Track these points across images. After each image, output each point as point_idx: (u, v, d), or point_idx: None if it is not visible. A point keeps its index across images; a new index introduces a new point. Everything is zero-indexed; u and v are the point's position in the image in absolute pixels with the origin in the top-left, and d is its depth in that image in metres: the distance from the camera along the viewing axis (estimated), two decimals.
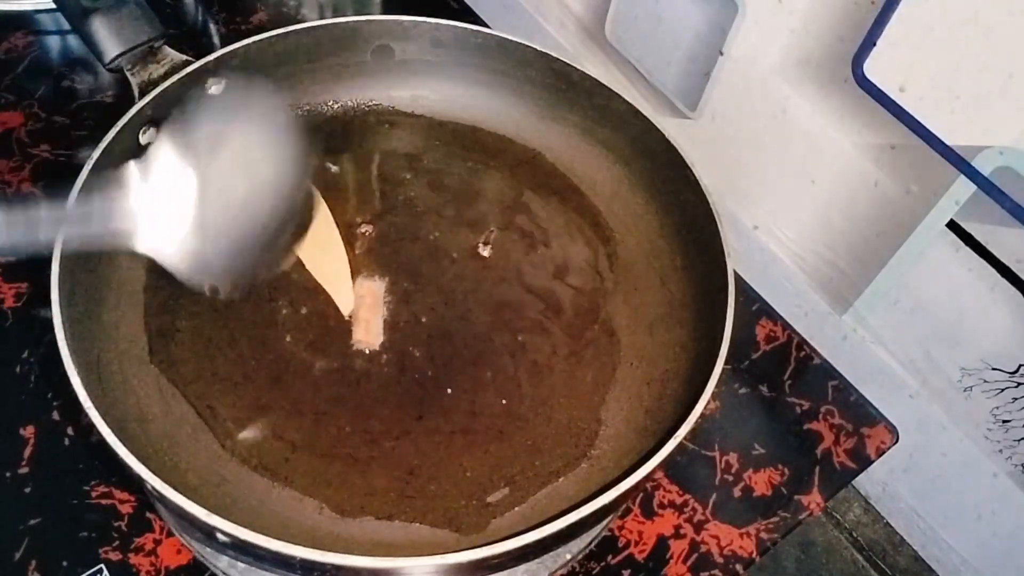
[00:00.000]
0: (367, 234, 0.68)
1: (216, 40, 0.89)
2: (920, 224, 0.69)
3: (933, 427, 0.78)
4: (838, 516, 0.91)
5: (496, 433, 0.60)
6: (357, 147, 0.73)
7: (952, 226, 0.67)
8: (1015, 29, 0.58)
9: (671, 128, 0.67)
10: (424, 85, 0.74)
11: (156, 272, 0.63)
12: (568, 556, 0.62)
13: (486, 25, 0.89)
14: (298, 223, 0.59)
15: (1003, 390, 0.72)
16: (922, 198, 0.69)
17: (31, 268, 0.69)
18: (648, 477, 0.51)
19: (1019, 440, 0.73)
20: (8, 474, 0.61)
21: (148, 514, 0.60)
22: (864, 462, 0.70)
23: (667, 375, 0.63)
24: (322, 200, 0.68)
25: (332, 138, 0.73)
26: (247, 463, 0.57)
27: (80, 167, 0.57)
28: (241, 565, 0.59)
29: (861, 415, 0.72)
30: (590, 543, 0.63)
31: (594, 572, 0.62)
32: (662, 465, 0.52)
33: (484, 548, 0.47)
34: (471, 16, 0.96)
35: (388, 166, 0.71)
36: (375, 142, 0.73)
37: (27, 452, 0.62)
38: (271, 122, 0.54)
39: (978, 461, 0.77)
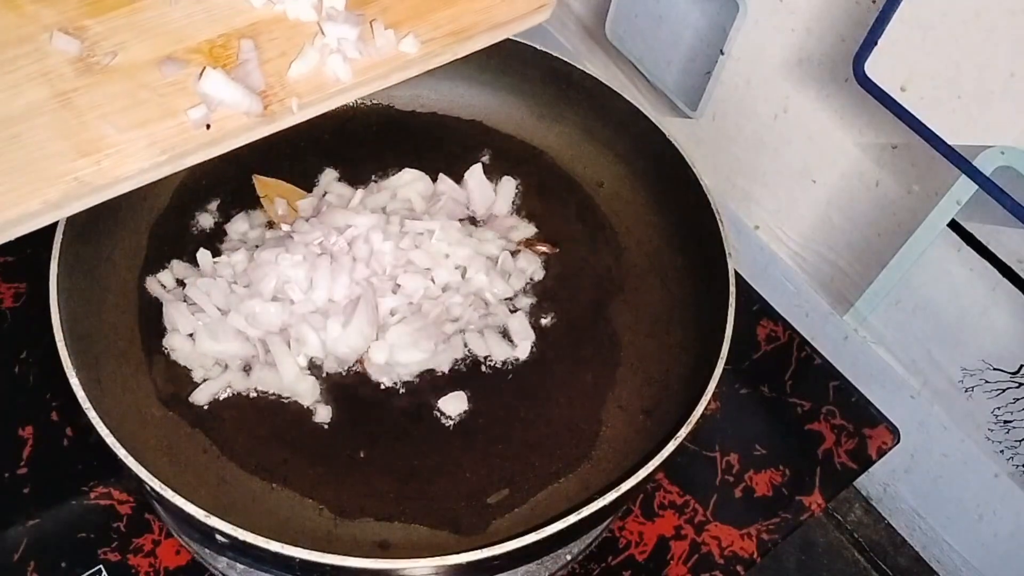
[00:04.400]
0: None
1: None
2: (921, 224, 0.69)
3: (934, 428, 0.78)
4: (839, 517, 0.91)
5: (496, 433, 0.60)
6: (357, 146, 0.73)
7: (953, 226, 0.67)
8: (1016, 28, 0.58)
9: (672, 128, 0.66)
10: (424, 84, 0.74)
11: (153, 273, 0.63)
12: (568, 557, 0.62)
13: None
14: None
15: (1004, 390, 0.72)
16: (923, 198, 0.69)
17: (30, 268, 0.69)
18: (649, 478, 0.51)
19: (1020, 441, 0.73)
20: (7, 474, 0.61)
21: (147, 515, 0.60)
22: (865, 462, 0.70)
23: (668, 375, 0.63)
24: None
25: (331, 137, 0.73)
26: (246, 464, 0.57)
27: None
28: (240, 566, 0.59)
29: (862, 415, 0.72)
30: (590, 544, 0.63)
31: (595, 573, 0.62)
32: (663, 466, 0.52)
33: (484, 549, 0.47)
34: None
35: (388, 165, 0.71)
36: (375, 141, 0.73)
37: (26, 452, 0.62)
38: None
39: (979, 462, 0.76)
